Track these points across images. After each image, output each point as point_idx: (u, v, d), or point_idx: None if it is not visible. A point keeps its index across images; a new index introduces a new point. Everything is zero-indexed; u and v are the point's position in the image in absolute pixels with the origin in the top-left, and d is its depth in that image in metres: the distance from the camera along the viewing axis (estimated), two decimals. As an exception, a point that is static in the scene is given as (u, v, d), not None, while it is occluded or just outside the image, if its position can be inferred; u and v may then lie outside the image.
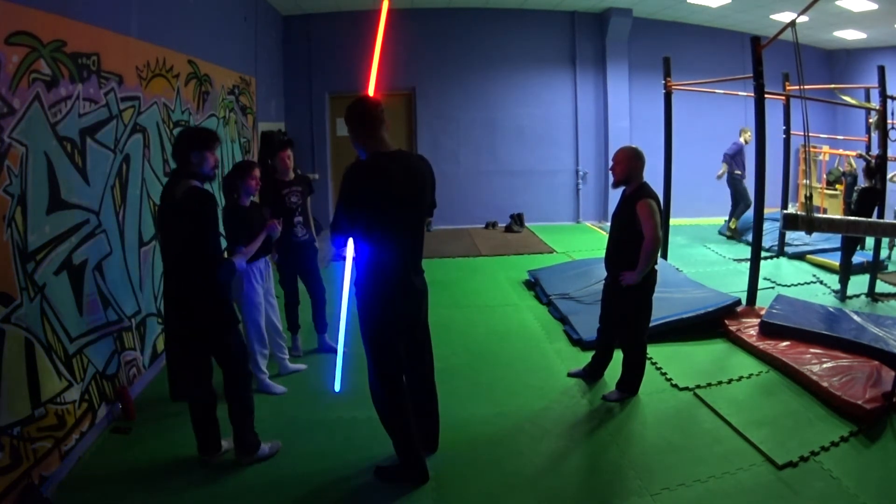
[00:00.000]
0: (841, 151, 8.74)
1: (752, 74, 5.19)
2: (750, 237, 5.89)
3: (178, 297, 2.90)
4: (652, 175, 3.76)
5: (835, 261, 6.51)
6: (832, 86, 8.63)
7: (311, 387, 4.00)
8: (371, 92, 3.33)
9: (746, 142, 8.52)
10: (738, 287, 5.64)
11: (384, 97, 2.96)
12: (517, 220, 9.70)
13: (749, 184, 9.02)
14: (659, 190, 3.89)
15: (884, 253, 6.80)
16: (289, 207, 4.25)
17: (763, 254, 6.32)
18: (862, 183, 6.07)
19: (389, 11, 3.58)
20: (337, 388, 3.86)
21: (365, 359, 2.90)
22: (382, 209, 2.65)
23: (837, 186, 8.85)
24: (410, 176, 2.74)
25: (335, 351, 4.47)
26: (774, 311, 4.82)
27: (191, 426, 3.08)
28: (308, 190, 4.48)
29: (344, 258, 3.28)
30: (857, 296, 5.84)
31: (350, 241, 2.87)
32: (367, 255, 2.75)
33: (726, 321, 4.83)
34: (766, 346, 4.34)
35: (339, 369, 3.86)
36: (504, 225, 9.79)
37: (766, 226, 6.54)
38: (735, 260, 7.33)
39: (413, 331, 2.93)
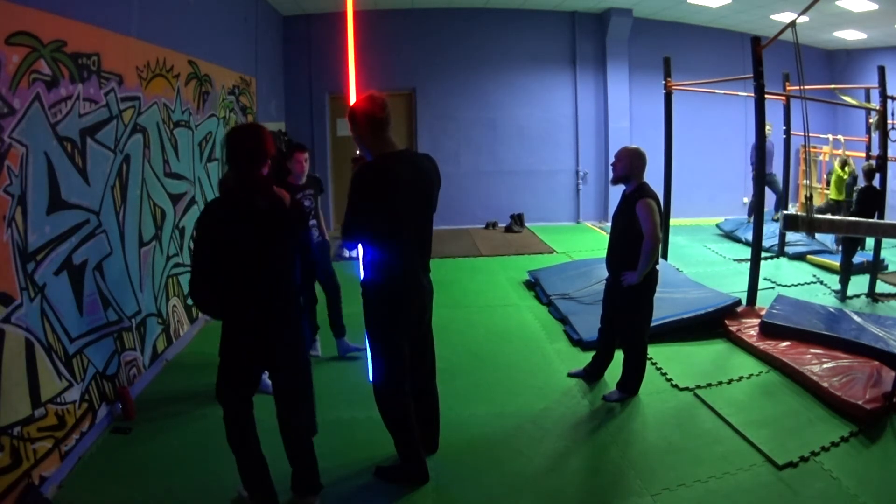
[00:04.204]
0: (840, 152, 8.73)
1: (752, 74, 5.19)
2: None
3: (286, 311, 2.59)
4: (652, 175, 3.76)
5: (835, 261, 6.51)
6: (832, 86, 8.64)
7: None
8: (353, 96, 3.29)
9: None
10: (738, 287, 5.64)
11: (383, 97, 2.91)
12: (517, 220, 9.70)
13: (739, 184, 9.21)
14: (659, 190, 3.90)
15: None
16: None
17: (763, 254, 6.32)
18: (862, 183, 6.08)
19: (356, 13, 3.56)
20: (371, 378, 3.86)
21: (359, 358, 2.89)
22: (393, 210, 2.65)
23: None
24: (419, 176, 2.73)
25: (359, 351, 4.39)
26: (774, 311, 4.82)
27: (190, 425, 3.04)
28: (319, 190, 4.47)
29: (349, 258, 3.28)
30: (858, 296, 5.84)
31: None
32: (378, 256, 2.73)
33: (726, 321, 4.83)
34: (766, 346, 4.34)
35: (370, 358, 3.85)
36: (504, 225, 9.79)
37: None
38: (735, 260, 7.33)
39: (417, 330, 2.94)
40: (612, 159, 3.72)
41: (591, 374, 4.08)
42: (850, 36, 9.57)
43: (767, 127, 8.40)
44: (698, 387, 3.90)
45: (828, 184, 9.27)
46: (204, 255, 2.48)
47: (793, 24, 4.75)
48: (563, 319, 5.20)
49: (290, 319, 2.59)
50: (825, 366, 3.91)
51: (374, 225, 2.67)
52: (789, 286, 6.21)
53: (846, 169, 7.84)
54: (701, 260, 7.41)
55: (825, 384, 3.67)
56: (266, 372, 3.27)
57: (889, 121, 6.23)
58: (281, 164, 4.28)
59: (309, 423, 2.75)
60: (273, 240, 2.51)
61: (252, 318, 2.51)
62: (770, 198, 8.73)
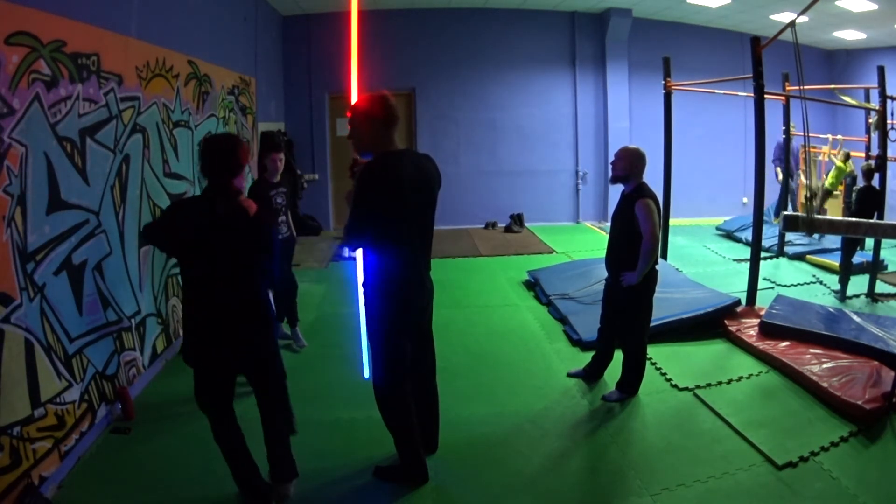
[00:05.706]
0: (837, 151, 8.73)
1: (752, 75, 5.19)
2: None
3: (255, 308, 2.67)
4: (652, 175, 3.76)
5: (835, 261, 6.52)
6: (832, 86, 8.64)
7: (310, 386, 4.00)
8: (354, 96, 3.28)
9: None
10: (738, 287, 5.64)
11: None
12: (517, 220, 9.70)
13: (739, 184, 9.24)
14: (659, 190, 3.90)
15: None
16: (275, 208, 4.39)
17: (763, 254, 6.32)
18: (861, 183, 6.08)
19: (360, 13, 3.57)
20: (366, 374, 3.86)
21: (358, 358, 2.89)
22: (398, 210, 2.64)
23: (838, 187, 8.84)
24: (421, 175, 2.73)
25: (286, 339, 4.65)
26: (774, 311, 4.82)
27: (190, 425, 3.05)
28: (292, 189, 4.59)
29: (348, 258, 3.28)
30: (857, 296, 5.84)
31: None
32: (381, 256, 2.73)
33: (726, 321, 4.83)
34: (765, 346, 4.35)
35: (365, 356, 3.86)
36: (504, 225, 9.79)
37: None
38: (735, 260, 7.33)
39: (418, 330, 2.94)
40: (611, 159, 3.73)
41: (591, 374, 4.08)
42: (850, 36, 9.57)
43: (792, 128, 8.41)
44: (698, 387, 3.90)
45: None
46: (164, 222, 2.67)
47: (792, 24, 4.75)
48: (562, 319, 5.20)
49: (260, 321, 2.65)
50: (825, 366, 3.91)
51: (379, 225, 2.66)
52: (789, 286, 6.21)
53: (848, 163, 7.85)
54: (701, 260, 7.41)
55: (825, 384, 3.67)
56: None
57: (888, 121, 6.24)
58: (259, 162, 4.45)
59: (287, 420, 2.85)
60: (233, 245, 2.55)
61: (217, 321, 2.58)
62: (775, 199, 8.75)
